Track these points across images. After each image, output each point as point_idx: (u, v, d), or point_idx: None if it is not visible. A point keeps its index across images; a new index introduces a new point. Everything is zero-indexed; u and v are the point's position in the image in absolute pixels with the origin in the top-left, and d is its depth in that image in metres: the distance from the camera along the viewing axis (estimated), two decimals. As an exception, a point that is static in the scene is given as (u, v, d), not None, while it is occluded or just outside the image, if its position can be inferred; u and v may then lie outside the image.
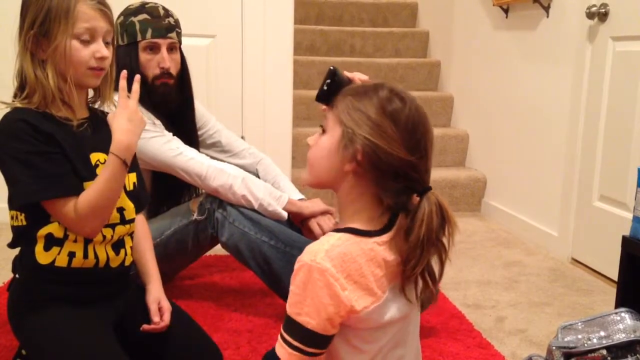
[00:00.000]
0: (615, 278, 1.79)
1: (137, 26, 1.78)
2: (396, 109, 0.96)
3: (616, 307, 1.67)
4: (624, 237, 1.70)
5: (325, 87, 1.09)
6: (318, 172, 1.02)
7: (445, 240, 0.96)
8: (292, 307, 0.93)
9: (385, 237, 0.96)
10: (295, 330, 0.93)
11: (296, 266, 0.93)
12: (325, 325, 0.92)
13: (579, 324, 1.53)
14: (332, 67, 1.09)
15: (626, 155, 2.23)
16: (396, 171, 0.94)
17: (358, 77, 1.20)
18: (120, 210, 1.30)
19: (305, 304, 0.92)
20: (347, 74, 1.13)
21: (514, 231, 2.97)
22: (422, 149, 0.96)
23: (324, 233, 1.79)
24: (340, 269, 0.91)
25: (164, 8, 1.85)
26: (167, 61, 1.80)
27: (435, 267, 0.98)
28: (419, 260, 0.94)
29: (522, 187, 2.97)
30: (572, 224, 2.55)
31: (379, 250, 0.95)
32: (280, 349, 0.94)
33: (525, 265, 2.48)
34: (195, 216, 1.80)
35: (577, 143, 2.51)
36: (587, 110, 2.46)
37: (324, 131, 1.00)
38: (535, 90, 2.83)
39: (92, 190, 1.19)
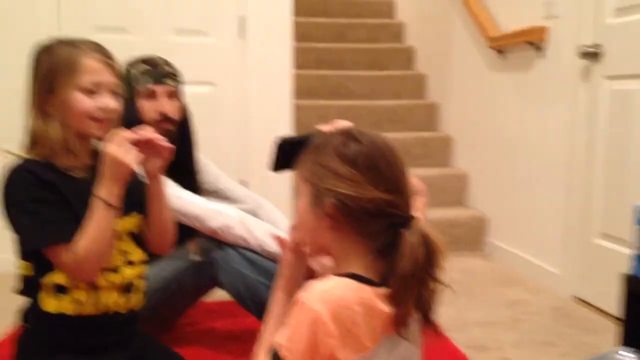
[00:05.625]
0: (619, 316, 1.78)
1: (136, 75, 1.82)
2: (352, 152, 0.95)
3: (620, 346, 1.65)
4: (624, 275, 1.70)
5: (275, 160, 1.11)
6: (307, 237, 1.03)
7: (435, 271, 0.94)
8: (279, 336, 0.94)
9: (385, 290, 0.94)
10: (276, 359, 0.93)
11: (296, 302, 0.94)
12: None
13: (583, 364, 1.51)
14: (278, 140, 1.11)
15: (624, 192, 2.24)
16: (371, 212, 0.93)
17: (336, 125, 1.21)
18: (124, 253, 1.32)
19: (291, 338, 0.92)
20: (322, 127, 1.15)
21: (516, 270, 2.96)
22: (391, 183, 0.95)
23: (324, 271, 1.78)
24: (333, 313, 0.90)
25: (162, 58, 1.89)
26: (165, 106, 1.82)
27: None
28: (407, 295, 0.92)
29: (523, 225, 2.97)
30: (574, 262, 2.55)
31: (378, 301, 0.93)
32: None
33: (528, 304, 2.46)
34: (194, 257, 1.81)
35: (576, 181, 2.53)
36: (584, 148, 2.48)
37: (299, 194, 1.01)
38: (533, 130, 2.86)
39: (84, 235, 1.20)
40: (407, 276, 0.92)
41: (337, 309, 0.90)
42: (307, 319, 0.90)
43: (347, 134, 0.98)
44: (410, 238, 0.93)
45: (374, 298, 0.93)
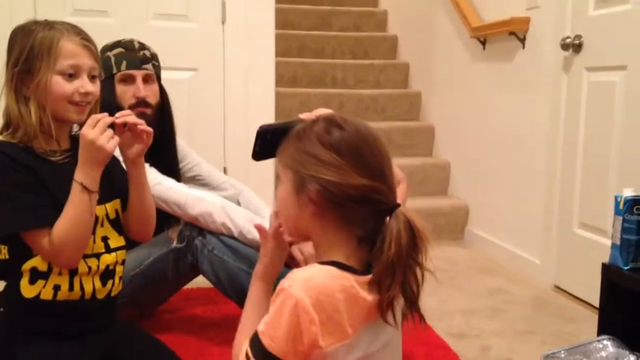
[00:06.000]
0: (598, 305, 1.79)
1: (113, 60, 1.80)
2: (335, 138, 0.95)
3: (598, 334, 1.67)
4: (603, 265, 1.71)
5: (257, 148, 1.10)
6: (288, 224, 1.02)
7: (420, 257, 0.94)
8: (263, 325, 0.93)
9: (367, 278, 0.94)
10: (258, 347, 0.93)
11: (277, 289, 0.93)
12: (286, 352, 0.91)
13: (562, 352, 1.53)
14: (260, 128, 1.10)
15: (604, 182, 2.26)
16: (355, 199, 0.93)
17: (316, 114, 1.20)
18: (104, 239, 1.31)
19: (272, 325, 0.92)
20: (304, 115, 1.14)
21: (497, 259, 2.98)
22: (374, 169, 0.95)
23: (305, 258, 1.78)
24: (315, 300, 0.90)
25: (139, 42, 1.87)
26: (142, 90, 1.81)
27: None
28: (392, 281, 0.92)
29: (504, 215, 2.99)
30: (554, 251, 2.57)
31: (359, 289, 0.93)
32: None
33: (508, 294, 2.48)
34: (174, 244, 1.79)
35: (556, 171, 2.54)
36: (565, 138, 2.50)
37: (280, 181, 1.00)
38: (514, 120, 2.88)
39: (62, 220, 1.19)
40: (391, 262, 0.91)
41: (319, 296, 0.90)
42: (290, 307, 0.90)
43: (329, 121, 0.98)
44: (394, 224, 0.92)
45: (356, 286, 0.93)
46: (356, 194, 0.93)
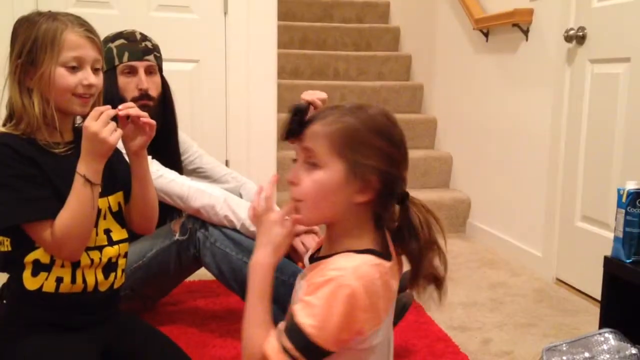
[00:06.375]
0: (600, 298, 1.79)
1: (115, 51, 1.80)
2: (391, 131, 0.98)
3: (600, 327, 1.67)
4: (605, 258, 1.71)
5: (293, 127, 1.08)
6: (321, 210, 0.98)
7: (441, 239, 1.00)
8: (305, 316, 0.91)
9: (391, 263, 0.97)
10: (300, 338, 0.91)
11: (320, 280, 0.92)
12: (331, 341, 0.91)
13: (564, 345, 1.53)
14: (295, 106, 1.08)
15: (607, 175, 2.25)
16: (394, 189, 0.97)
17: (317, 97, 1.20)
18: (107, 232, 1.30)
19: (322, 316, 0.90)
20: (305, 97, 1.13)
21: (499, 252, 2.98)
22: (407, 162, 1.00)
23: (307, 251, 1.78)
24: (365, 289, 0.91)
25: (141, 33, 1.86)
26: (145, 82, 1.80)
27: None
28: (424, 262, 0.97)
29: (506, 208, 2.99)
30: (555, 244, 2.57)
31: (389, 275, 0.96)
32: (278, 354, 0.91)
33: (510, 286, 2.48)
34: (177, 236, 1.79)
35: (559, 164, 2.54)
36: (567, 131, 2.49)
37: (314, 165, 0.96)
38: (517, 112, 2.87)
39: (64, 212, 1.19)
40: (424, 244, 0.97)
41: (367, 284, 0.92)
42: (344, 296, 0.90)
43: (382, 112, 0.99)
44: (417, 210, 0.97)
45: (389, 272, 0.96)
46: (398, 185, 0.97)
